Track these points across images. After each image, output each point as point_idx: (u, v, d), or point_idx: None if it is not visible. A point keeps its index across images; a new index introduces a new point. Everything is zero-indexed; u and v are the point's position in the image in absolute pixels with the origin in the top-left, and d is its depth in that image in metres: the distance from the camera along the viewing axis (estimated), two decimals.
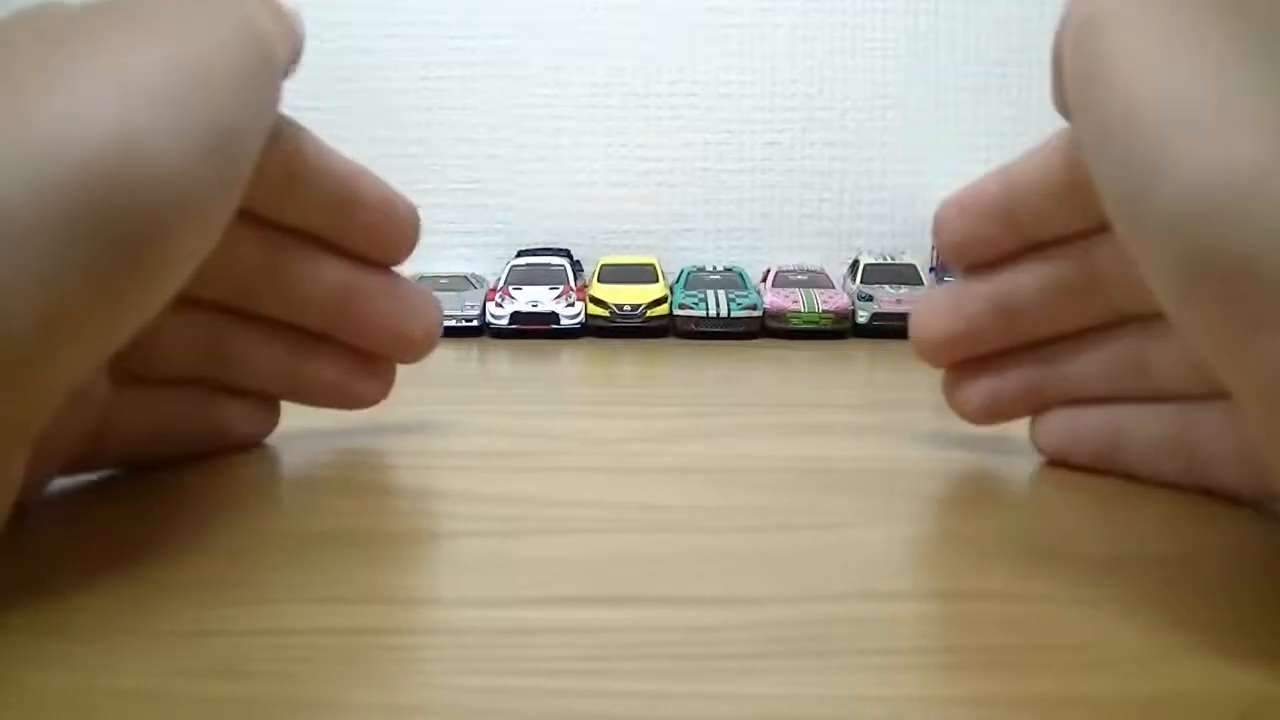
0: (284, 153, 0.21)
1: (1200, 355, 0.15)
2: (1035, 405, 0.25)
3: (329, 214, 0.23)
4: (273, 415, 0.26)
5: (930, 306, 0.25)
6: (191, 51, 0.16)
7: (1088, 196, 0.17)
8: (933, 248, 0.56)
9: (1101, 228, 0.21)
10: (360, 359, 0.25)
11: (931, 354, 0.25)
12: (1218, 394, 0.21)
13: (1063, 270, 0.23)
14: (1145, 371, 0.22)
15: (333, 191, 0.23)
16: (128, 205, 0.14)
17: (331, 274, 0.24)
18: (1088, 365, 0.23)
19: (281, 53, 0.20)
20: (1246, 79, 0.14)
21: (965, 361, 0.25)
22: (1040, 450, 0.25)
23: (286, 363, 0.25)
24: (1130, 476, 0.23)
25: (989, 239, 0.23)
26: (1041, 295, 0.23)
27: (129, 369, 0.22)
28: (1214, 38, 0.15)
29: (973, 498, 0.23)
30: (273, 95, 0.19)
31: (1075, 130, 0.18)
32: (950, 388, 0.25)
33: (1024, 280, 0.23)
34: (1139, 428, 0.23)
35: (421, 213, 0.25)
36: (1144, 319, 0.22)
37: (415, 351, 0.25)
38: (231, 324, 0.24)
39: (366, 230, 0.24)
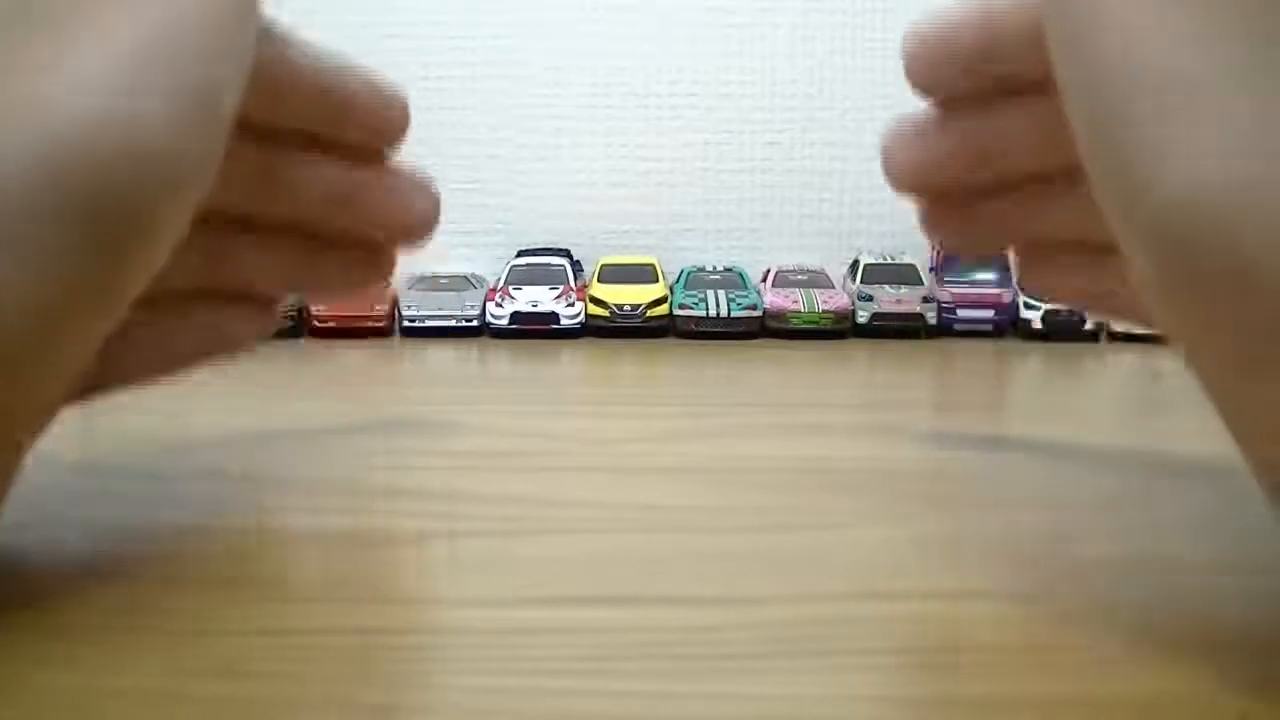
0: (269, 59, 0.21)
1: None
2: (1008, 240, 0.25)
3: (320, 115, 0.23)
4: (271, 315, 0.26)
5: (902, 134, 0.24)
6: (168, 17, 0.16)
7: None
8: (933, 247, 0.56)
9: None
10: (361, 247, 0.25)
11: (902, 181, 0.24)
12: None
13: (1040, 111, 0.21)
14: None
15: (322, 93, 0.23)
16: (114, 180, 0.14)
17: (328, 172, 0.23)
18: (1067, 209, 0.23)
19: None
20: (1245, 68, 0.14)
21: (939, 197, 0.24)
22: (1028, 292, 0.25)
23: (288, 263, 0.24)
24: (1123, 319, 0.23)
25: (964, 74, 0.22)
26: (1018, 134, 0.22)
27: None
28: (1214, 19, 0.14)
29: (972, 498, 0.23)
30: (251, 36, 0.19)
31: (1063, 95, 0.17)
32: (927, 222, 0.25)
33: (1000, 119, 0.22)
34: (1121, 274, 0.23)
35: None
36: None
37: (415, 236, 0.25)
38: (230, 232, 0.24)
39: (359, 125, 0.24)
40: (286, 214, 0.24)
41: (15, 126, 0.14)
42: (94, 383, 0.22)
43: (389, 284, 0.26)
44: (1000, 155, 0.23)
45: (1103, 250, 0.22)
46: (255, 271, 0.24)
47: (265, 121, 0.22)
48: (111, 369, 0.22)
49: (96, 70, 0.15)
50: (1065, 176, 0.22)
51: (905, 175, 0.24)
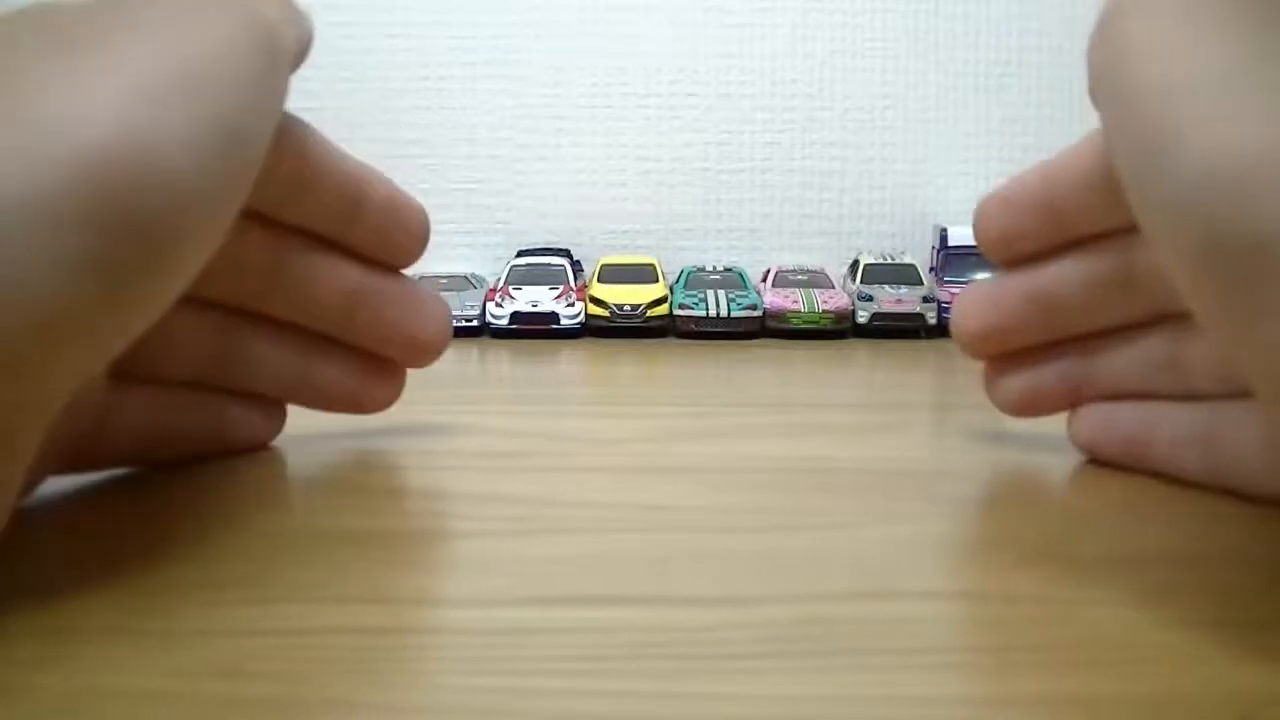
0: (292, 152, 0.21)
1: (1216, 340, 0.15)
2: (1071, 399, 0.25)
3: (337, 215, 0.23)
4: (277, 420, 0.26)
5: (970, 298, 0.25)
6: (196, 49, 0.16)
7: (1123, 191, 0.17)
8: (933, 247, 0.56)
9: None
10: (370, 362, 0.25)
11: (970, 346, 0.25)
12: (1245, 394, 0.21)
13: (1101, 265, 0.23)
14: (1178, 369, 0.22)
15: (341, 192, 0.23)
16: (134, 203, 0.14)
17: (340, 276, 0.24)
18: (1123, 361, 0.24)
19: (288, 45, 0.19)
20: (1260, 69, 0.14)
21: (1004, 355, 0.25)
22: (1075, 444, 0.25)
23: (294, 366, 0.24)
24: (1158, 474, 0.23)
25: (1029, 232, 0.23)
26: (1080, 290, 0.23)
27: (131, 368, 0.22)
28: (1227, 25, 0.15)
29: (973, 497, 0.23)
30: (279, 90, 0.19)
31: (1100, 118, 0.18)
32: (990, 381, 0.26)
33: (1063, 275, 0.23)
34: (1168, 423, 0.23)
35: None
36: (1178, 317, 0.22)
37: (426, 355, 0.25)
38: (239, 325, 0.24)
39: (375, 232, 0.24)
40: (296, 313, 0.24)
41: (40, 143, 0.14)
42: (88, 454, 0.22)
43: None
44: (1060, 308, 0.24)
45: (1154, 396, 0.23)
46: (259, 369, 0.24)
47: (282, 215, 0.22)
48: (109, 444, 0.22)
49: (121, 95, 0.15)
50: (1118, 329, 0.24)
51: (974, 334, 0.25)
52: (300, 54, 0.21)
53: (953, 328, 0.25)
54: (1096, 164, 0.21)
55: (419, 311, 0.25)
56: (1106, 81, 0.17)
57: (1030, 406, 0.25)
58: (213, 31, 0.17)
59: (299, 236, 0.23)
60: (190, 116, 0.15)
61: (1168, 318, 0.23)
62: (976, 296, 0.25)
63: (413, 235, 0.24)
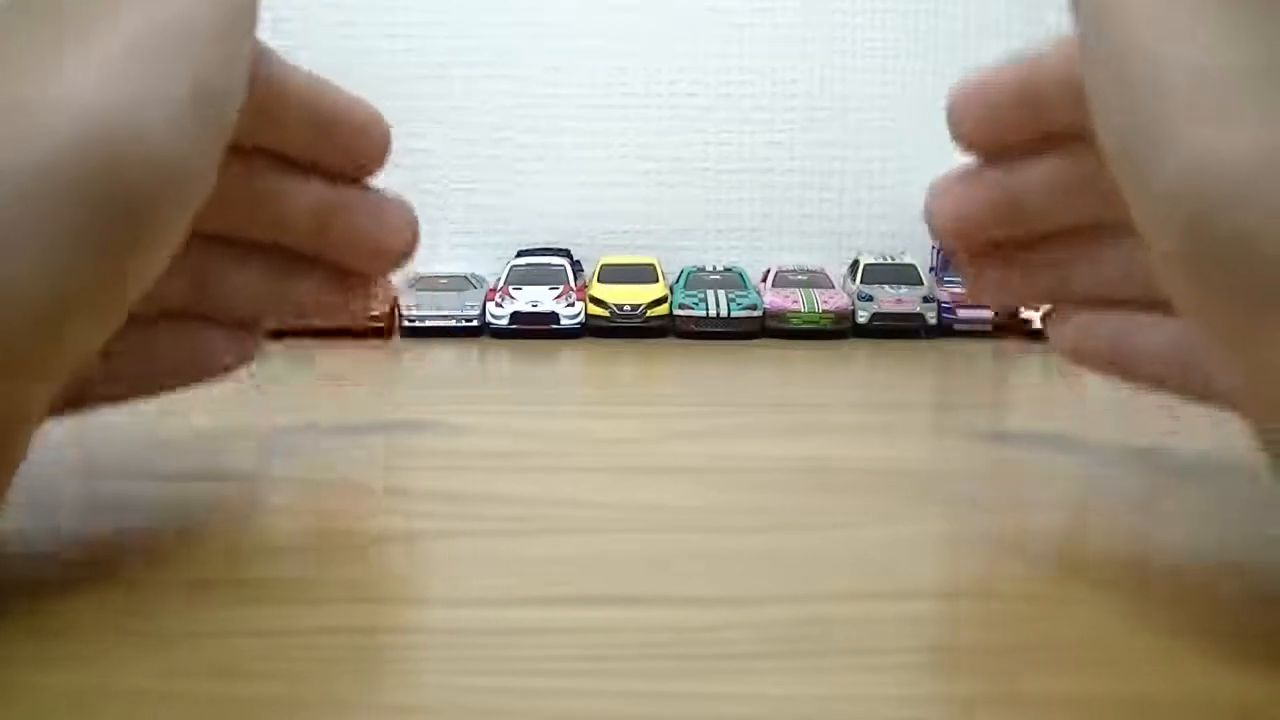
0: (255, 79, 0.21)
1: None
2: (1043, 295, 0.25)
3: (304, 137, 0.23)
4: (254, 341, 0.26)
5: (946, 188, 0.24)
6: (169, 18, 0.16)
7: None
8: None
9: None
10: (340, 273, 0.25)
11: (945, 236, 0.25)
12: None
13: (1077, 164, 0.22)
14: (1152, 277, 0.22)
15: (307, 115, 0.23)
16: (121, 175, 0.15)
17: (309, 193, 0.24)
18: (1101, 266, 0.23)
19: None
20: (1254, 61, 0.14)
21: (980, 249, 0.25)
22: (1057, 351, 0.25)
23: (270, 284, 0.24)
24: (1141, 386, 0.23)
25: (1007, 124, 0.23)
26: (1054, 187, 0.23)
27: None
28: (1226, 18, 0.15)
29: (972, 498, 0.23)
30: (250, 39, 0.19)
31: (1081, 64, 0.18)
32: (966, 274, 0.25)
33: (1040, 172, 0.23)
34: (1145, 336, 0.23)
35: (421, 213, 0.25)
36: None
37: (391, 261, 0.25)
38: (213, 252, 0.24)
39: (341, 149, 0.24)
40: (268, 233, 0.24)
41: (22, 124, 0.14)
42: (77, 398, 0.22)
43: (366, 311, 0.26)
44: (1037, 206, 0.23)
45: (1132, 306, 0.23)
46: (236, 294, 0.24)
47: (247, 140, 0.22)
48: (95, 385, 0.22)
49: (101, 72, 0.15)
50: (1099, 231, 0.23)
51: (947, 224, 0.24)
52: None
53: (927, 216, 0.25)
54: (1075, 64, 0.21)
55: (384, 220, 0.25)
56: (1096, 65, 0.17)
57: (1005, 299, 0.25)
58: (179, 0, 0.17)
59: (267, 159, 0.23)
60: (165, 90, 0.15)
61: None
62: (953, 185, 0.24)
63: (376, 145, 0.24)
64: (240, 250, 0.24)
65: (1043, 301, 0.25)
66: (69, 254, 0.14)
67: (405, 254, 0.25)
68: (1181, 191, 0.14)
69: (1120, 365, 0.23)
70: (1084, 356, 0.24)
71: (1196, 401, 0.22)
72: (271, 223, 0.24)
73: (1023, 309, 0.50)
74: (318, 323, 0.26)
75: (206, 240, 0.23)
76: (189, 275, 0.23)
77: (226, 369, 0.25)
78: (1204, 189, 0.14)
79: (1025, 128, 0.23)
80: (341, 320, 0.26)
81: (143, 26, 0.16)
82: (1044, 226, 0.24)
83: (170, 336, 0.24)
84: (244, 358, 0.26)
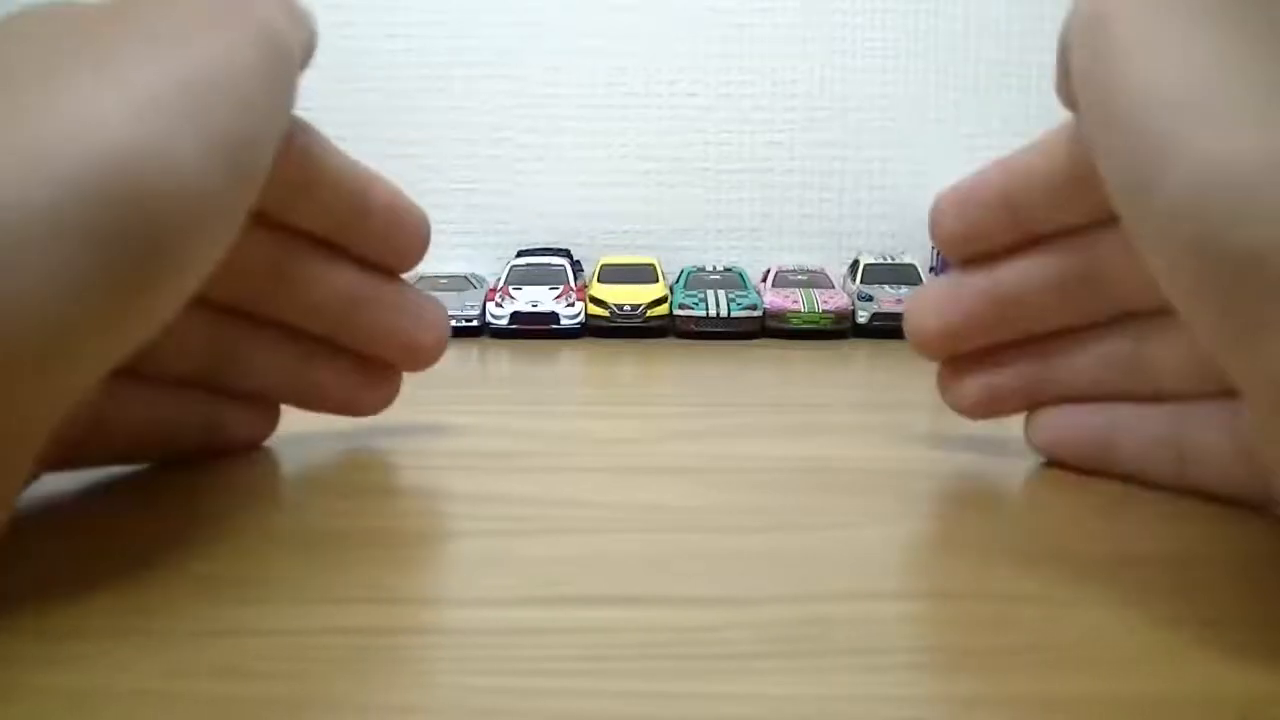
0: (296, 154, 0.21)
1: (1206, 351, 0.15)
2: (1031, 400, 0.25)
3: (338, 218, 0.23)
4: (271, 420, 0.26)
5: (926, 299, 0.24)
6: (205, 59, 0.16)
7: (1090, 189, 0.17)
8: (933, 248, 0.56)
9: (1102, 222, 0.21)
10: (366, 365, 0.25)
11: (927, 347, 0.25)
12: (1213, 394, 0.21)
13: (1063, 264, 0.22)
14: (1142, 370, 0.22)
15: (343, 196, 0.23)
16: (142, 215, 0.14)
17: (339, 279, 0.24)
18: (1084, 362, 0.23)
19: (295, 52, 0.19)
20: (1251, 74, 0.14)
21: (961, 355, 0.25)
22: (1033, 446, 0.25)
23: (290, 367, 0.24)
24: (1123, 477, 0.23)
25: (988, 230, 0.23)
26: (1040, 289, 0.23)
27: (127, 366, 0.22)
28: (1219, 33, 0.15)
29: (972, 498, 0.23)
30: (287, 98, 0.19)
31: (1081, 123, 0.18)
32: (946, 381, 0.25)
33: (1022, 273, 0.23)
34: (1133, 427, 0.23)
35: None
36: (1143, 316, 0.22)
37: (423, 360, 0.25)
38: (236, 325, 0.24)
39: (376, 236, 0.24)
40: (296, 315, 0.24)
41: (48, 151, 0.14)
42: (85, 452, 0.22)
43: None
44: (1020, 307, 0.23)
45: (1113, 399, 0.23)
46: (258, 372, 0.24)
47: (283, 216, 0.22)
48: (106, 442, 0.22)
49: (130, 107, 0.15)
50: (1083, 329, 0.23)
51: (930, 336, 0.24)
52: (306, 59, 0.21)
53: (908, 328, 0.25)
54: (1060, 162, 0.21)
55: (417, 317, 0.25)
56: (1091, 86, 0.17)
57: (987, 408, 0.25)
58: (221, 42, 0.17)
59: (300, 238, 0.23)
60: (198, 128, 0.15)
61: (1131, 317, 0.22)
62: (934, 295, 0.24)
63: (413, 240, 0.24)
64: (264, 329, 0.24)
65: (1027, 405, 0.25)
66: (82, 275, 0.14)
67: (436, 352, 0.25)
68: (1184, 205, 0.14)
69: (1103, 456, 0.23)
70: (1065, 450, 0.24)
71: (1177, 485, 0.22)
72: (298, 304, 0.24)
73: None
74: (333, 415, 0.26)
75: (231, 314, 0.23)
76: (209, 347, 0.23)
77: (240, 443, 0.25)
78: (1207, 202, 0.14)
79: (1008, 230, 0.23)
80: (361, 413, 0.26)
81: (183, 64, 0.16)
82: (1028, 327, 0.24)
83: (183, 401, 0.24)
84: (259, 434, 0.26)
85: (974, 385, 0.25)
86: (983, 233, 0.23)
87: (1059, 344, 0.24)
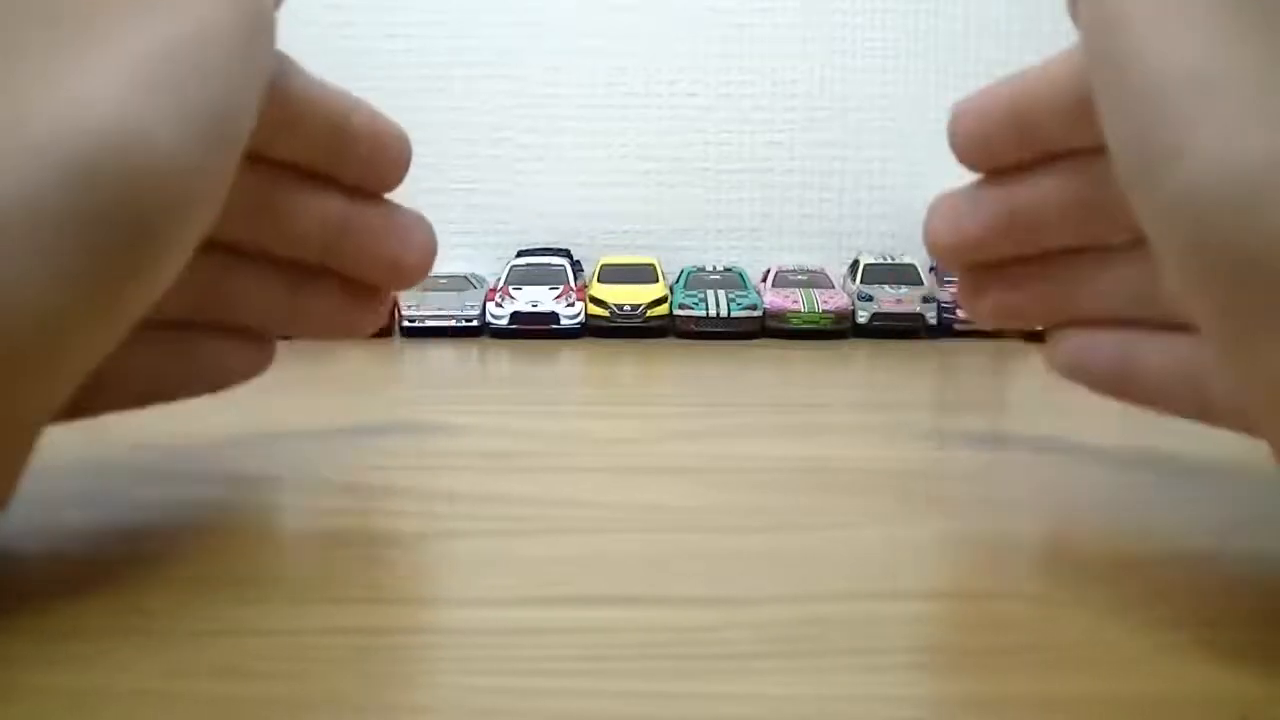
0: (275, 90, 0.21)
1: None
2: (1049, 318, 0.24)
3: (321, 149, 0.23)
4: (266, 352, 0.26)
5: (945, 207, 0.24)
6: (186, 32, 0.16)
7: (1095, 118, 0.17)
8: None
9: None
10: (354, 288, 0.25)
11: (944, 254, 0.24)
12: None
13: (1076, 185, 0.22)
14: (1160, 299, 0.22)
15: (325, 126, 0.22)
16: (128, 197, 0.14)
17: (324, 208, 0.23)
18: (1103, 285, 0.23)
19: (269, 5, 0.19)
20: (1266, 65, 0.14)
21: (980, 267, 0.24)
22: (1053, 368, 0.25)
23: (281, 298, 0.24)
24: (1145, 403, 0.23)
25: (1003, 143, 0.23)
26: (1055, 207, 0.22)
27: None
28: (1237, 18, 0.15)
29: (972, 498, 0.23)
30: (266, 57, 0.19)
31: (1088, 71, 0.18)
32: (965, 294, 0.25)
33: (1037, 190, 0.23)
34: (1151, 356, 0.22)
35: (421, 213, 0.25)
36: None
37: (410, 278, 0.25)
38: (225, 262, 0.23)
39: (359, 162, 0.23)
40: (282, 246, 0.24)
41: (31, 134, 0.14)
42: (83, 403, 0.22)
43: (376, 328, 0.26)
44: (1036, 224, 0.23)
45: (1137, 324, 0.23)
46: (248, 305, 0.24)
47: (265, 151, 0.22)
48: (102, 391, 0.22)
49: (112, 84, 0.15)
50: (1103, 251, 0.23)
51: (946, 244, 0.24)
52: (278, 2, 0.20)
53: (926, 234, 0.24)
54: (1068, 85, 0.21)
55: (403, 236, 0.25)
56: (1103, 67, 0.17)
57: (1005, 320, 0.25)
58: (196, 9, 0.16)
59: (283, 170, 0.23)
60: (180, 102, 0.15)
61: (1146, 244, 0.22)
62: (952, 204, 0.24)
63: (395, 161, 0.24)
64: (253, 261, 0.24)
65: (1045, 321, 0.25)
66: (71, 261, 0.14)
67: (422, 270, 0.25)
68: (1190, 200, 0.14)
69: (1122, 384, 0.23)
70: (1084, 374, 0.24)
71: (1199, 420, 0.22)
72: (285, 235, 0.23)
73: None
74: (326, 339, 0.26)
75: (218, 249, 0.23)
76: (200, 284, 0.23)
77: (238, 378, 0.25)
78: (1212, 196, 0.13)
79: (1019, 147, 0.23)
80: (353, 335, 0.26)
81: (158, 40, 0.16)
82: (1045, 245, 0.23)
83: (179, 346, 0.24)
84: (256, 367, 0.26)
85: (991, 297, 0.24)
86: (997, 145, 0.23)
87: (1078, 263, 0.23)
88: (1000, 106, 0.22)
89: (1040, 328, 0.25)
